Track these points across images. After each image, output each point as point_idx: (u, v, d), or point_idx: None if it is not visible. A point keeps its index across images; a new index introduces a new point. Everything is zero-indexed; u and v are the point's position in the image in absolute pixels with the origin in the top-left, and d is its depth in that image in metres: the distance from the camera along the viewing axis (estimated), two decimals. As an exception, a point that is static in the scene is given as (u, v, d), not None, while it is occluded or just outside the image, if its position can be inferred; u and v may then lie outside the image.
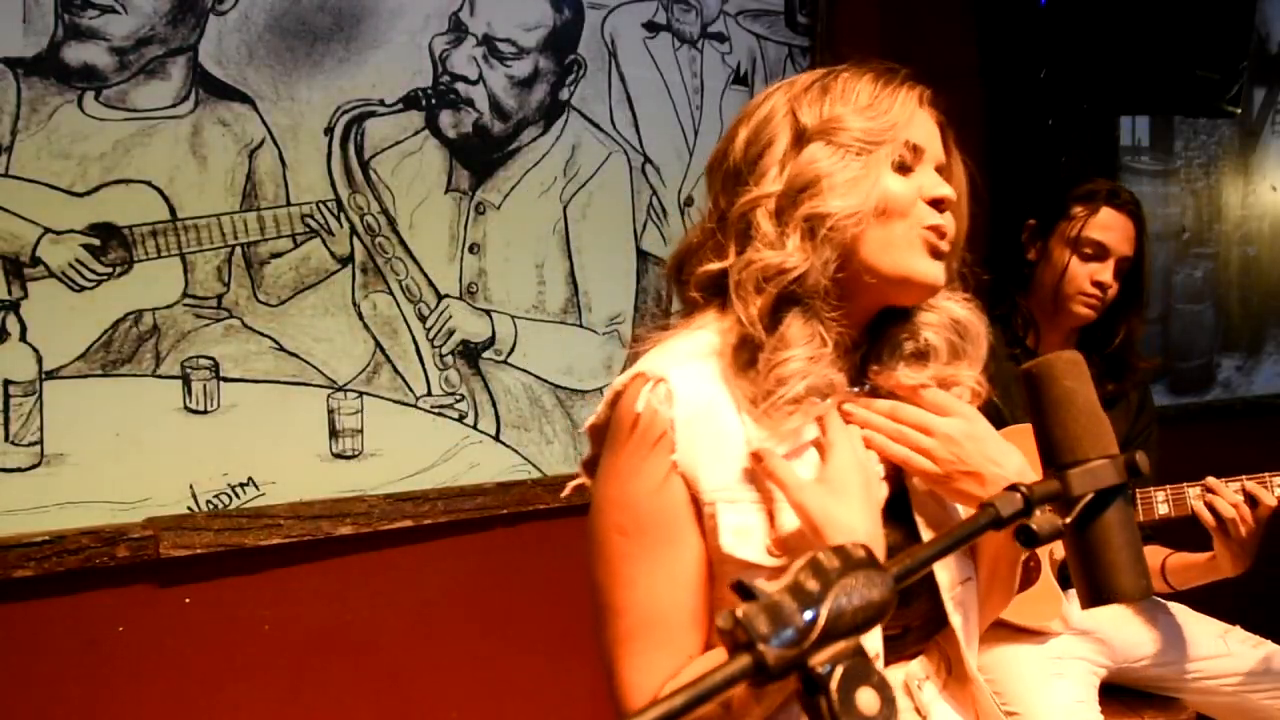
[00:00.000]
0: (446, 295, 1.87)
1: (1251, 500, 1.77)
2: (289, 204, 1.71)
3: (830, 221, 0.97)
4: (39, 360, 1.52)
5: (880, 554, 0.93)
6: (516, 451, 1.97)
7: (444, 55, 1.85)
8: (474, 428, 1.92)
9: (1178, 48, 2.41)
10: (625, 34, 2.06)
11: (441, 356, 1.88)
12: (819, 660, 0.60)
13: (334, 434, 1.77)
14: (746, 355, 0.98)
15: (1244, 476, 1.81)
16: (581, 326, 2.04)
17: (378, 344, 1.81)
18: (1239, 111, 2.65)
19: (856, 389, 1.07)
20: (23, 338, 1.50)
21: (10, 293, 1.49)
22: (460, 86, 1.87)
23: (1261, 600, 2.60)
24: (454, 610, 1.90)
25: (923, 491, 1.07)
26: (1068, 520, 0.78)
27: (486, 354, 1.93)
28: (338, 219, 1.76)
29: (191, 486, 1.64)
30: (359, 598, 1.80)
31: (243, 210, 1.67)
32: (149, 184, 1.59)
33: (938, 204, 1.02)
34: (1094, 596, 0.81)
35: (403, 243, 1.83)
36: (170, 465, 1.62)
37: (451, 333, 1.89)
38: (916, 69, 1.07)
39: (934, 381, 1.05)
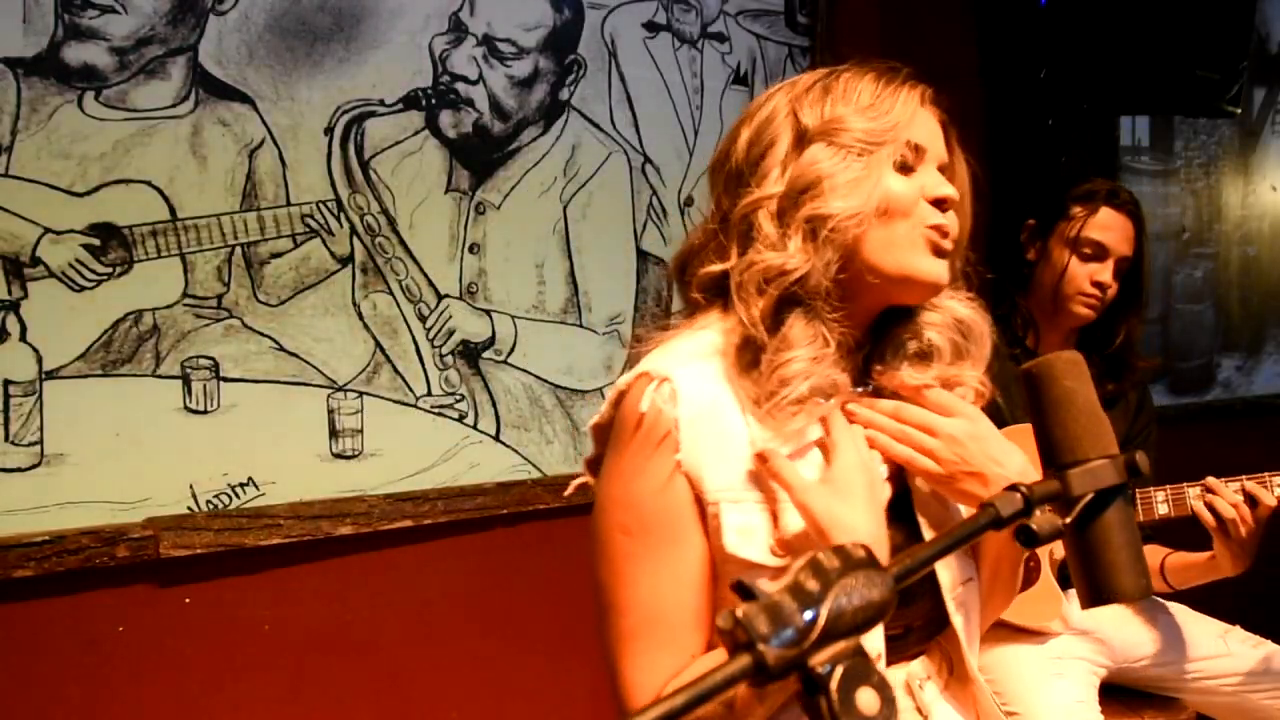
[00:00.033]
0: (446, 295, 1.87)
1: (1251, 500, 1.77)
2: (289, 204, 1.71)
3: (832, 222, 0.97)
4: (39, 360, 1.52)
5: (884, 555, 0.93)
6: (516, 451, 1.97)
7: (444, 55, 1.85)
8: (474, 428, 1.92)
9: (1178, 48, 2.41)
10: (625, 34, 2.06)
11: (441, 356, 1.88)
12: (819, 660, 0.60)
13: (334, 434, 1.77)
14: (749, 356, 0.98)
15: (1244, 476, 1.81)
16: (581, 326, 2.04)
17: (378, 344, 1.81)
18: (1239, 111, 2.65)
19: (860, 389, 1.07)
20: (23, 338, 1.50)
21: (10, 293, 1.49)
22: (460, 86, 1.87)
23: (1261, 600, 2.59)
24: (454, 610, 1.90)
25: (926, 492, 1.07)
26: (1068, 520, 0.78)
27: (486, 354, 1.93)
28: (338, 219, 1.76)
29: (191, 486, 1.64)
30: (359, 598, 1.80)
31: (243, 210, 1.67)
32: (149, 184, 1.59)
33: (940, 203, 1.02)
34: (1094, 596, 0.81)
35: (403, 243, 1.83)
36: (170, 465, 1.62)
37: (451, 333, 1.89)
38: (917, 69, 1.07)
39: (937, 382, 1.05)
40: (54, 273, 1.52)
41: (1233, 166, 3.37)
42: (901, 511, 1.05)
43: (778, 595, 0.61)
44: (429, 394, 1.86)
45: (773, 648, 0.58)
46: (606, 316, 2.07)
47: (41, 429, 1.52)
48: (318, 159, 1.74)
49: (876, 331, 1.08)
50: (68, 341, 1.54)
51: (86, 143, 1.54)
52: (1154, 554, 1.93)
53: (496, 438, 1.94)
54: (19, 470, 1.50)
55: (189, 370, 1.63)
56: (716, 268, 1.03)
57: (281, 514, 1.69)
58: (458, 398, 1.90)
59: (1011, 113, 2.63)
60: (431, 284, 1.86)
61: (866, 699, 0.60)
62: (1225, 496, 1.78)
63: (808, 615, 0.60)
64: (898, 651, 1.02)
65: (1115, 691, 1.98)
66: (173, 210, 1.62)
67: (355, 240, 1.78)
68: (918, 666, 1.05)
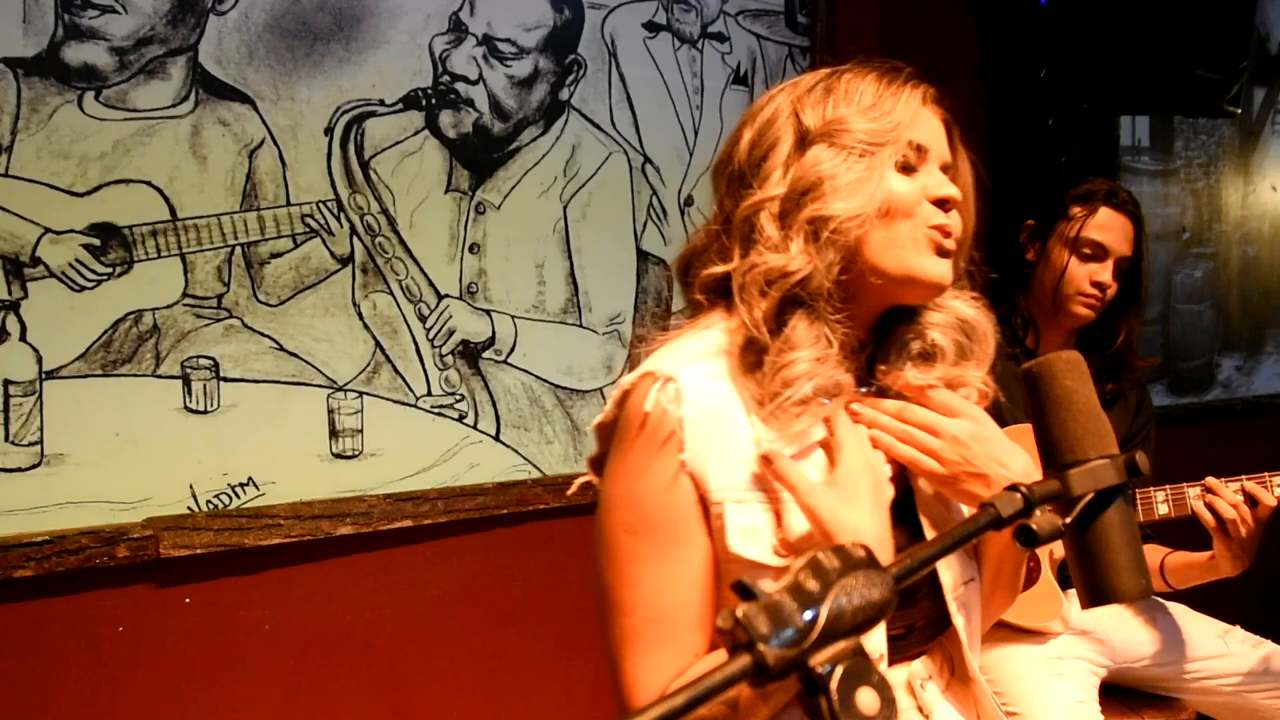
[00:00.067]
0: (446, 295, 1.88)
1: (1251, 500, 1.77)
2: (289, 204, 1.71)
3: (833, 224, 0.97)
4: (39, 360, 1.52)
5: (888, 556, 0.93)
6: (516, 451, 1.97)
7: (444, 55, 1.85)
8: (474, 428, 1.92)
9: (1178, 48, 2.40)
10: (625, 34, 2.06)
11: (441, 356, 1.88)
12: (819, 660, 0.60)
13: (334, 434, 1.77)
14: (753, 357, 0.98)
15: (1244, 476, 1.81)
16: (581, 326, 2.04)
17: (378, 344, 1.81)
18: (1239, 111, 2.64)
19: (864, 389, 1.07)
20: (23, 338, 1.50)
21: (10, 293, 1.49)
22: (460, 86, 1.87)
23: (1261, 600, 2.60)
24: (454, 610, 1.90)
25: (928, 492, 1.07)
26: (1068, 520, 0.78)
27: (486, 354, 1.93)
28: (338, 219, 1.76)
29: (191, 486, 1.64)
30: (359, 598, 1.80)
31: (243, 210, 1.67)
32: (149, 184, 1.60)
33: (942, 203, 1.02)
34: (1094, 596, 0.81)
35: (403, 243, 1.83)
36: (170, 465, 1.62)
37: (451, 333, 1.89)
38: (917, 68, 1.07)
39: (941, 382, 1.05)
40: (54, 273, 1.52)
41: (1233, 166, 3.37)
42: (904, 512, 1.05)
43: (778, 595, 0.61)
44: (429, 394, 1.86)
45: (773, 648, 0.58)
46: (606, 316, 2.07)
47: (41, 429, 1.52)
48: (318, 159, 1.74)
49: (880, 331, 1.08)
50: (68, 341, 1.54)
51: (86, 143, 1.54)
52: (1154, 554, 1.93)
53: (496, 438, 1.95)
54: (19, 470, 1.50)
55: (189, 370, 1.63)
56: (719, 269, 1.03)
57: (281, 514, 1.69)
58: (458, 398, 1.90)
59: (1011, 112, 2.63)
60: (431, 284, 1.86)
61: (866, 699, 0.60)
62: (1225, 496, 1.78)
63: (808, 615, 0.60)
64: (900, 651, 1.02)
65: (1115, 691, 1.98)
66: (173, 210, 1.62)
67: (355, 240, 1.78)
68: (919, 666, 1.05)
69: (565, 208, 2.00)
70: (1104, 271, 1.97)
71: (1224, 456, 2.21)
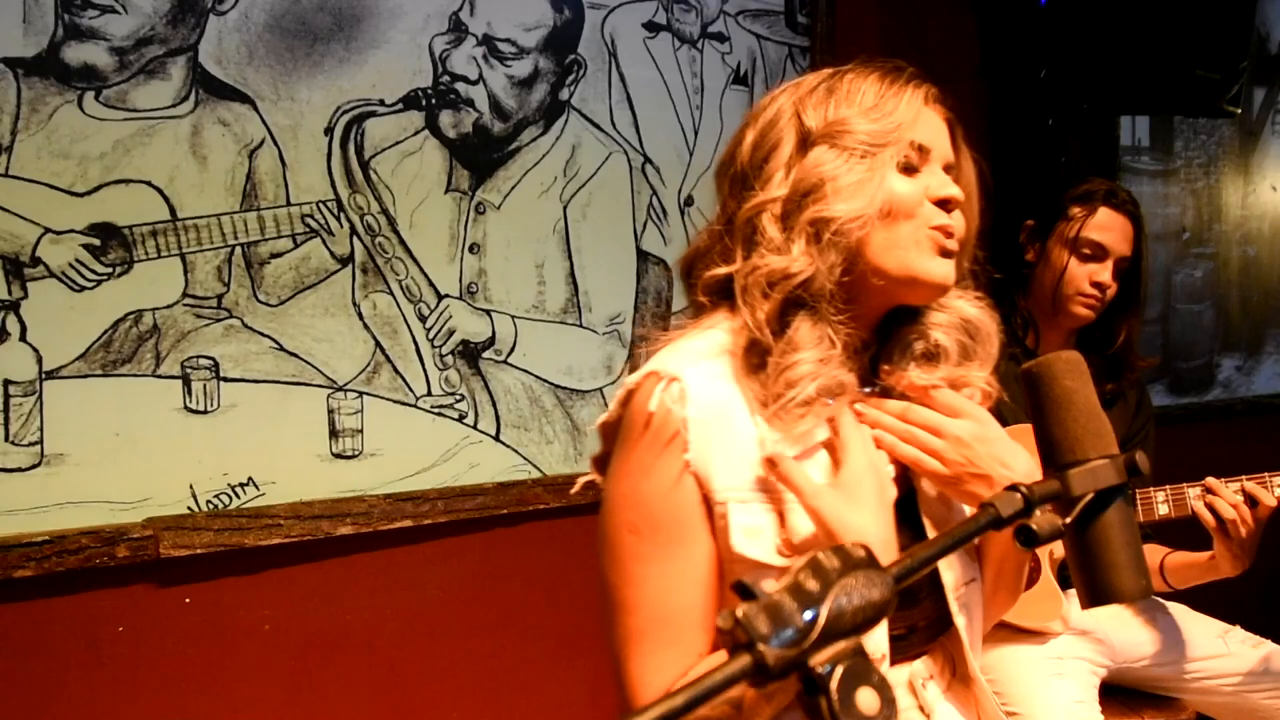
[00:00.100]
0: (446, 295, 1.88)
1: (1251, 500, 1.77)
2: (289, 204, 1.71)
3: (835, 225, 0.97)
4: (39, 360, 1.52)
5: (894, 558, 0.93)
6: (516, 451, 1.97)
7: (444, 55, 1.85)
8: (474, 428, 1.92)
9: (1178, 48, 2.40)
10: (625, 34, 2.06)
11: (441, 356, 1.88)
12: (819, 660, 0.60)
13: (334, 434, 1.77)
14: (756, 358, 0.98)
15: (1244, 476, 1.81)
16: (581, 326, 2.04)
17: (378, 344, 1.81)
18: (1239, 111, 2.64)
19: (867, 389, 1.07)
20: (23, 338, 1.50)
21: (10, 293, 1.49)
22: (460, 86, 1.87)
23: (1261, 600, 2.60)
24: (454, 610, 1.90)
25: (931, 493, 1.07)
26: (1068, 520, 0.78)
27: (486, 354, 1.93)
28: (338, 219, 1.76)
29: (191, 486, 1.64)
30: (359, 598, 1.80)
31: (243, 210, 1.67)
32: (149, 184, 1.60)
33: (945, 204, 1.02)
34: (1094, 597, 0.81)
35: (403, 243, 1.83)
36: (170, 465, 1.62)
37: (451, 333, 1.89)
38: (918, 68, 1.07)
39: (945, 383, 1.05)
40: (54, 273, 1.52)
41: (1233, 166, 3.37)
42: (906, 512, 1.05)
43: (778, 595, 0.61)
44: (429, 394, 1.86)
45: (773, 648, 0.58)
46: (606, 316, 2.07)
47: (41, 429, 1.52)
48: (318, 159, 1.74)
49: (883, 331, 1.08)
50: (68, 341, 1.54)
51: (86, 143, 1.54)
52: (1154, 554, 1.93)
53: (496, 438, 1.94)
54: (19, 470, 1.50)
55: (189, 370, 1.63)
56: (721, 271, 1.03)
57: (281, 514, 1.69)
58: (458, 398, 1.90)
59: (1011, 112, 2.63)
60: (431, 284, 1.86)
61: (866, 699, 0.60)
62: (1225, 497, 1.78)
63: (808, 615, 0.60)
64: (901, 651, 1.02)
65: (1115, 691, 1.98)
66: (173, 210, 1.62)
67: (355, 240, 1.78)
68: (920, 666, 1.05)
69: (565, 208, 2.00)
70: (1104, 272, 1.97)
71: (1224, 456, 2.21)
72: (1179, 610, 2.03)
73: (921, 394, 1.04)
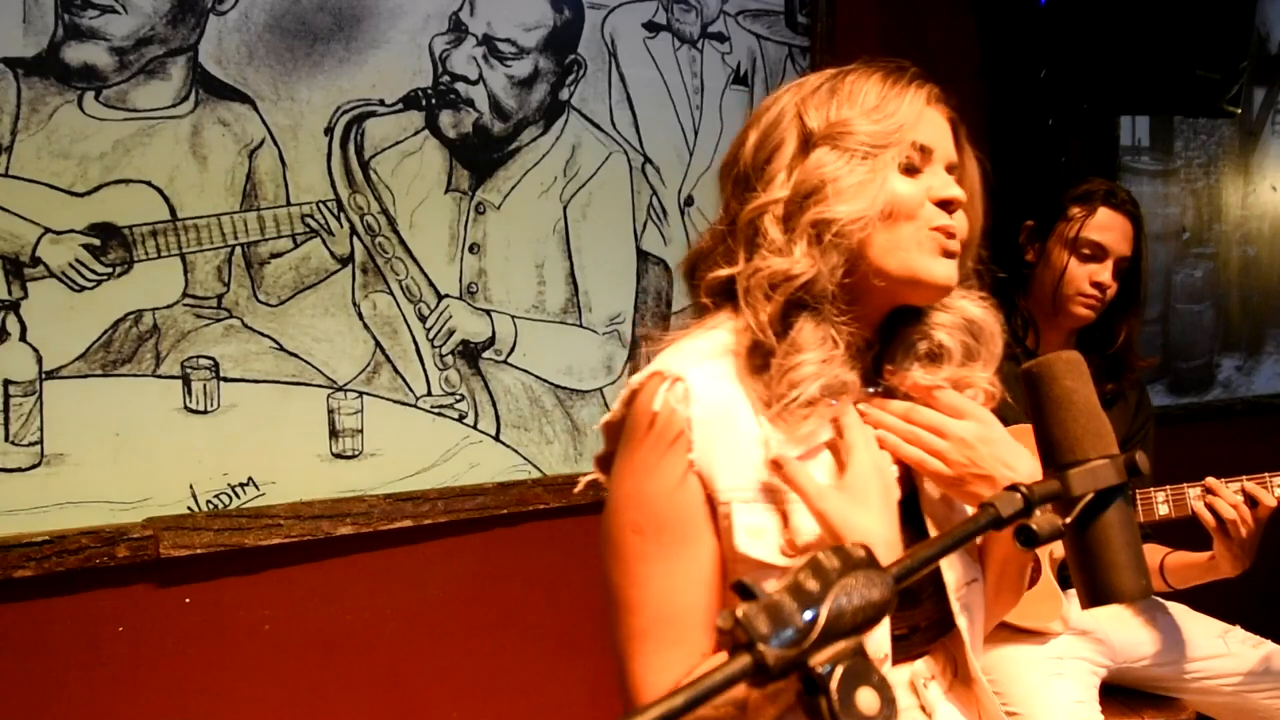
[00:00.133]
0: (446, 295, 1.88)
1: (1251, 501, 1.77)
2: (289, 204, 1.71)
3: (836, 227, 0.97)
4: (39, 360, 1.52)
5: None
6: (516, 451, 1.97)
7: (444, 55, 1.85)
8: (474, 428, 1.92)
9: (1178, 48, 2.40)
10: (625, 34, 2.06)
11: (441, 356, 1.88)
12: (819, 660, 0.60)
13: (334, 434, 1.77)
14: (759, 359, 0.98)
15: (1244, 477, 1.81)
16: (581, 326, 2.04)
17: (378, 344, 1.81)
18: (1239, 111, 2.64)
19: (871, 389, 1.07)
20: (23, 338, 1.50)
21: (10, 293, 1.49)
22: (460, 86, 1.87)
23: (1261, 600, 2.60)
24: (454, 610, 1.90)
25: (934, 494, 1.07)
26: (1068, 520, 0.78)
27: (486, 354, 1.93)
28: (338, 219, 1.76)
29: (191, 486, 1.64)
30: (359, 598, 1.80)
31: (243, 210, 1.67)
32: (149, 184, 1.60)
33: (946, 204, 1.01)
34: (1094, 597, 0.81)
35: (403, 243, 1.83)
36: (170, 465, 1.62)
37: (451, 333, 1.89)
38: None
39: (948, 383, 1.05)
40: (54, 273, 1.52)
41: (1233, 166, 3.37)
42: (909, 513, 1.05)
43: (778, 595, 0.61)
44: (429, 394, 1.86)
45: (772, 648, 0.58)
46: (606, 316, 2.07)
47: (41, 429, 1.52)
48: (318, 159, 1.74)
49: (886, 331, 1.08)
50: (68, 341, 1.54)
51: (86, 143, 1.54)
52: (1154, 554, 1.93)
53: (496, 438, 1.94)
54: (19, 470, 1.50)
55: (189, 370, 1.63)
56: (724, 272, 1.03)
57: (281, 514, 1.69)
58: (458, 398, 1.90)
59: (1011, 112, 2.63)
60: (431, 284, 1.86)
61: (866, 699, 0.60)
62: (1225, 497, 1.78)
63: (808, 615, 0.60)
64: (903, 651, 1.02)
65: (1115, 691, 1.98)
66: (173, 210, 1.62)
67: (355, 240, 1.78)
68: (922, 666, 1.05)
69: (565, 208, 2.00)
70: (1104, 272, 1.97)
71: (1224, 456, 2.21)
72: (1179, 610, 2.03)
73: (925, 394, 1.04)
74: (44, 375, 1.52)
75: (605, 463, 1.06)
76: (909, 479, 1.07)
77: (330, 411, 1.76)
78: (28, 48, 1.49)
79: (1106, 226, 1.97)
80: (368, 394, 1.79)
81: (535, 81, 1.95)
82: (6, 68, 1.48)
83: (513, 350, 1.95)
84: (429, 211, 1.85)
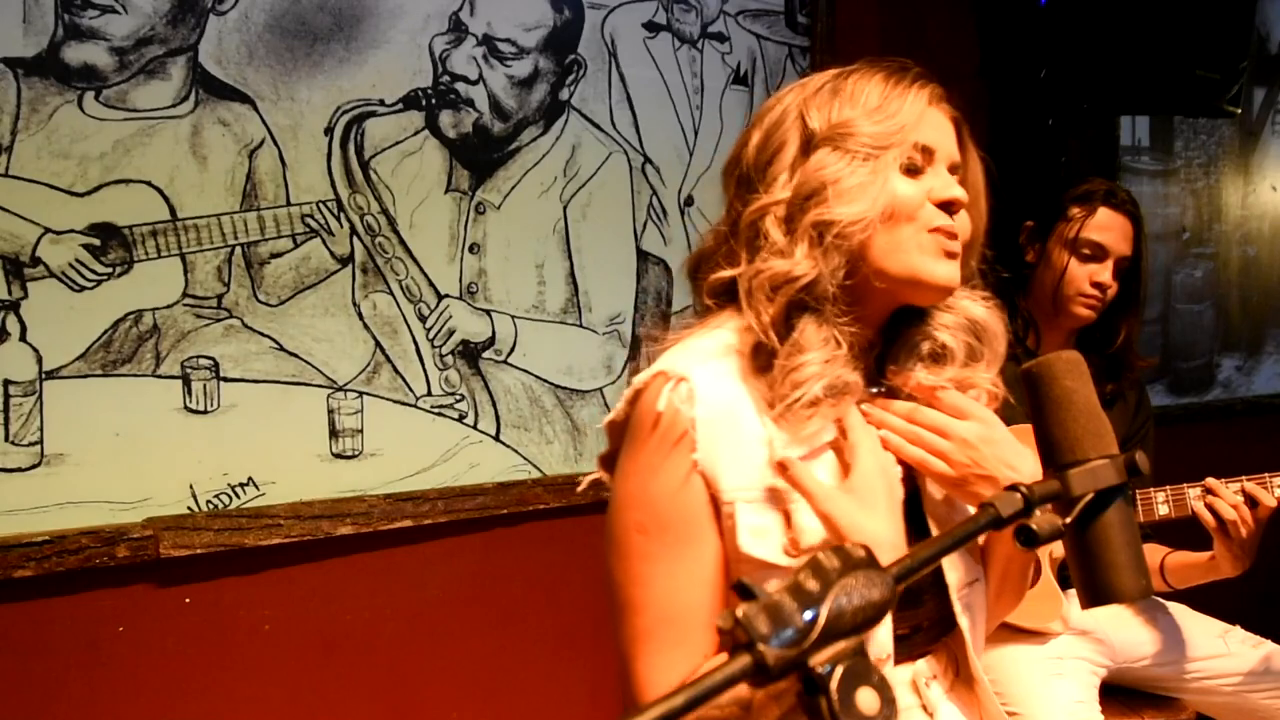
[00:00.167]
0: (446, 295, 1.88)
1: (1251, 501, 1.77)
2: (289, 204, 1.71)
3: (836, 228, 0.97)
4: (39, 360, 1.52)
5: None
6: (516, 451, 1.97)
7: (444, 55, 1.85)
8: (474, 428, 1.92)
9: (1178, 48, 2.40)
10: (625, 34, 2.06)
11: (441, 356, 1.88)
12: (819, 660, 0.60)
13: (334, 434, 1.77)
14: (763, 360, 0.98)
15: (1244, 477, 1.81)
16: (581, 326, 2.04)
17: (378, 344, 1.81)
18: (1239, 111, 2.64)
19: (874, 389, 1.07)
20: (23, 338, 1.50)
21: (10, 293, 1.49)
22: (460, 86, 1.87)
23: (1261, 600, 2.60)
24: (454, 610, 1.90)
25: (936, 494, 1.07)
26: (1068, 520, 0.78)
27: (486, 354, 1.93)
28: (338, 219, 1.76)
29: (191, 486, 1.64)
30: (359, 598, 1.80)
31: (243, 210, 1.67)
32: (149, 184, 1.60)
33: (948, 206, 1.01)
34: (1094, 597, 0.81)
35: (403, 243, 1.83)
36: (170, 465, 1.62)
37: (451, 333, 1.89)
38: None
39: (951, 384, 1.05)
40: (54, 273, 1.52)
41: (1233, 166, 3.37)
42: (910, 513, 1.05)
43: (778, 595, 0.61)
44: (429, 394, 1.86)
45: (772, 648, 0.58)
46: (606, 316, 2.07)
47: (41, 429, 1.52)
48: (318, 159, 1.74)
49: (890, 331, 1.08)
50: (68, 341, 1.54)
51: (86, 143, 1.54)
52: (1154, 554, 1.93)
53: (496, 438, 1.94)
54: (19, 470, 1.50)
55: (189, 370, 1.63)
56: (726, 273, 1.03)
57: (281, 514, 1.69)
58: (458, 398, 1.90)
59: (1011, 112, 2.63)
60: (431, 284, 1.86)
61: (866, 699, 0.60)
62: (1225, 497, 1.78)
63: (808, 615, 0.60)
64: (905, 651, 1.02)
65: (1115, 691, 1.98)
66: (173, 210, 1.62)
67: (355, 240, 1.78)
68: (924, 665, 1.06)
69: (565, 208, 2.00)
70: (1104, 272, 1.97)
71: (1224, 456, 2.21)
72: (1179, 610, 2.03)
73: (928, 395, 1.04)
74: (44, 375, 1.52)
75: (609, 462, 1.06)
76: (911, 479, 1.07)
77: (330, 411, 1.76)
78: (28, 48, 1.49)
79: (1106, 226, 1.97)
80: (368, 394, 1.79)
81: (535, 81, 1.95)
82: (6, 68, 1.48)
83: (513, 350, 1.95)
84: (429, 211, 1.85)
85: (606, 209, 2.05)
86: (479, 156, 1.90)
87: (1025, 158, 2.58)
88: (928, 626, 1.05)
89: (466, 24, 1.87)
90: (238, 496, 1.67)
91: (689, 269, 1.13)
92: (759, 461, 0.97)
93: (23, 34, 1.49)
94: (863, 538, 0.90)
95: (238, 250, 1.67)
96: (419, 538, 1.85)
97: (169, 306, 1.61)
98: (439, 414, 1.88)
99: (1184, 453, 2.25)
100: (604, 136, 2.05)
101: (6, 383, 1.50)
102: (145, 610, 1.61)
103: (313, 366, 1.74)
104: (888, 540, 0.92)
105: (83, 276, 1.54)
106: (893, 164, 1.00)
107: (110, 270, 1.56)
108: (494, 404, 1.94)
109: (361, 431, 1.79)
